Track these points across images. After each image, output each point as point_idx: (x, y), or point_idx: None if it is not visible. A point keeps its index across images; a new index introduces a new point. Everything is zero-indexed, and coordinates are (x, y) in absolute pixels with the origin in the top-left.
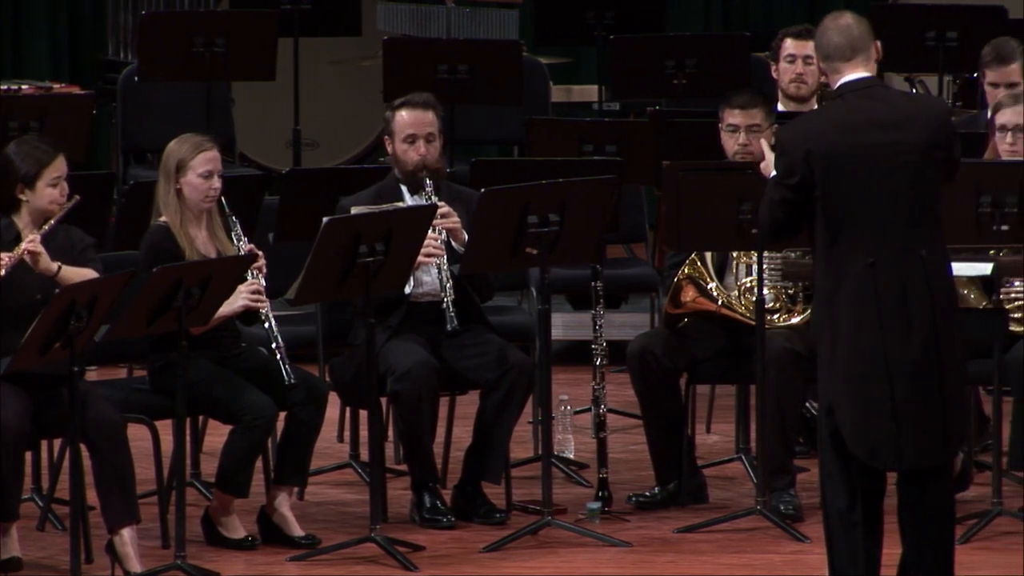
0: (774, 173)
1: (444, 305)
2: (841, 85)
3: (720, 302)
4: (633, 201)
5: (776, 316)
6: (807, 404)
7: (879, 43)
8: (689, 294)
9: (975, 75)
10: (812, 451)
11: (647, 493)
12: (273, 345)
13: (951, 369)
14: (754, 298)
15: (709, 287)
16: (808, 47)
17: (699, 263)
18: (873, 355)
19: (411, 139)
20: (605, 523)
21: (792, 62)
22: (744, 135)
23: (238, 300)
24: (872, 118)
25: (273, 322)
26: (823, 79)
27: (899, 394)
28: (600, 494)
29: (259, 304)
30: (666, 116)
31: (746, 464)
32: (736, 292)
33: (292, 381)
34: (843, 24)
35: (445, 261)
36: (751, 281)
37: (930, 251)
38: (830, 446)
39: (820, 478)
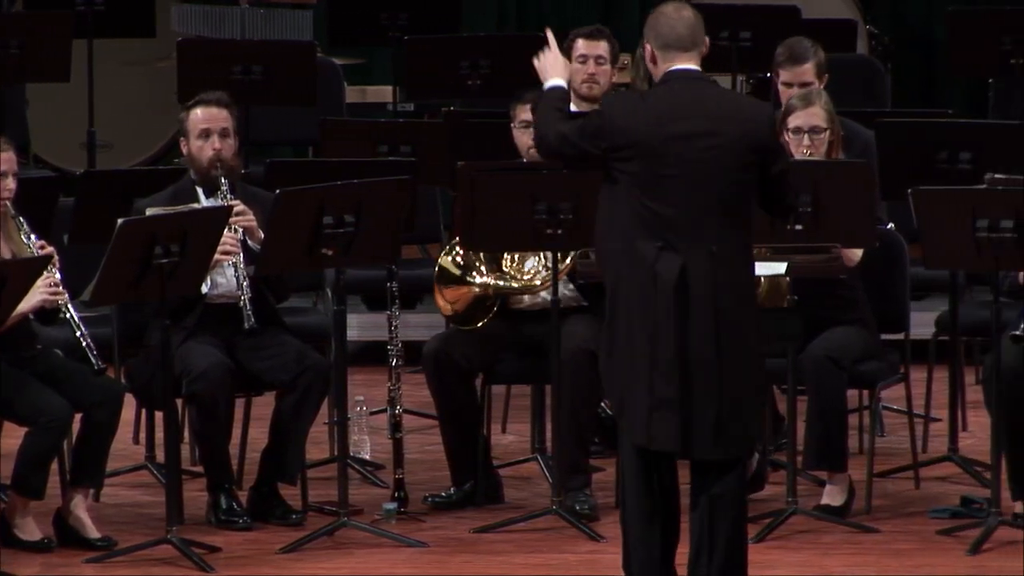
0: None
1: (241, 303)
2: (668, 72)
3: (482, 281)
4: (428, 202)
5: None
6: (602, 404)
7: (707, 39)
8: (448, 295)
9: (768, 75)
10: (608, 451)
11: (443, 493)
12: (77, 334)
13: (737, 365)
14: (526, 267)
15: (472, 273)
16: (600, 47)
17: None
18: (651, 343)
19: (205, 134)
20: (401, 523)
21: (584, 62)
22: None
23: (35, 296)
24: (689, 109)
25: (74, 312)
26: (615, 78)
27: (674, 384)
28: (396, 495)
29: (57, 298)
30: (460, 117)
31: (542, 464)
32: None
33: (100, 366)
34: (686, 17)
35: (241, 259)
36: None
37: (723, 247)
38: (628, 441)
39: (620, 472)
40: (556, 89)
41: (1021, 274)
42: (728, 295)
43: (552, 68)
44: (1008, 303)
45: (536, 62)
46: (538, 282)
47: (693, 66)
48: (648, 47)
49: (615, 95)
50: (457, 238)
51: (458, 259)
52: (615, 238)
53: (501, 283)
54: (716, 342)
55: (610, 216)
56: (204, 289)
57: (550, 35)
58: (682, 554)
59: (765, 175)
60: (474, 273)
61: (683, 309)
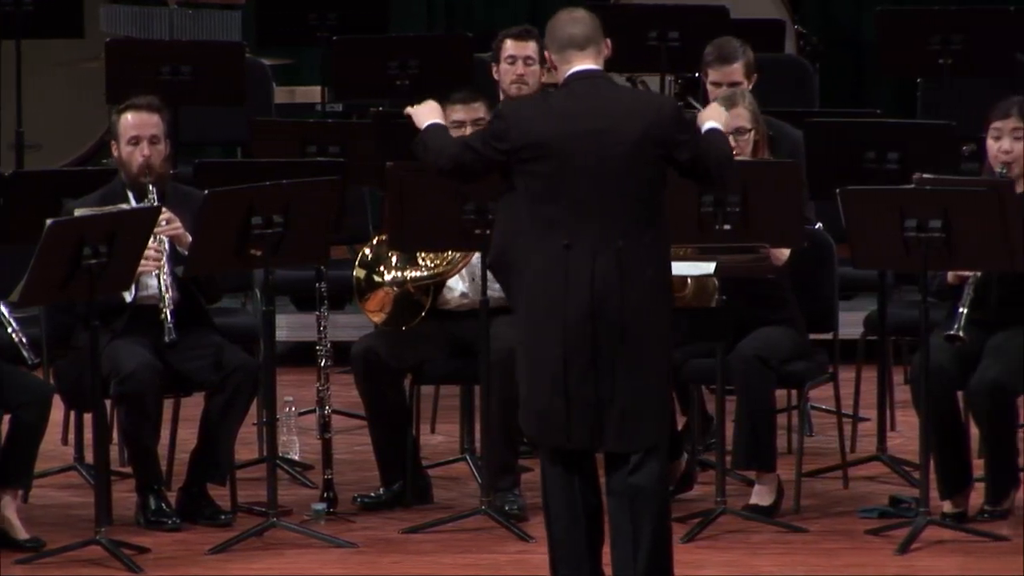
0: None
1: (162, 316)
2: (568, 75)
3: (392, 277)
4: (357, 202)
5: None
6: None
7: (609, 40)
8: (371, 305)
9: (697, 75)
10: (536, 451)
11: (372, 494)
12: (9, 330)
13: (645, 360)
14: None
15: (381, 269)
16: (528, 48)
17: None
18: (555, 336)
19: (135, 141)
20: (330, 524)
21: (513, 63)
22: (470, 129)
23: None
24: (591, 108)
25: (4, 308)
26: (544, 79)
27: (584, 382)
28: (325, 495)
29: None
30: (389, 117)
31: (471, 464)
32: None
33: (34, 361)
34: (577, 17)
35: (166, 271)
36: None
37: (630, 243)
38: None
39: (542, 474)
40: (435, 124)
41: (950, 275)
42: (636, 292)
43: (427, 114)
44: (936, 303)
45: (409, 111)
46: (452, 262)
47: (592, 66)
48: (548, 54)
49: (516, 99)
50: (366, 248)
51: (368, 257)
52: (521, 241)
53: (416, 274)
54: (623, 338)
55: (515, 221)
56: (128, 298)
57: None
58: (607, 553)
59: (677, 164)
60: (382, 268)
61: (592, 307)
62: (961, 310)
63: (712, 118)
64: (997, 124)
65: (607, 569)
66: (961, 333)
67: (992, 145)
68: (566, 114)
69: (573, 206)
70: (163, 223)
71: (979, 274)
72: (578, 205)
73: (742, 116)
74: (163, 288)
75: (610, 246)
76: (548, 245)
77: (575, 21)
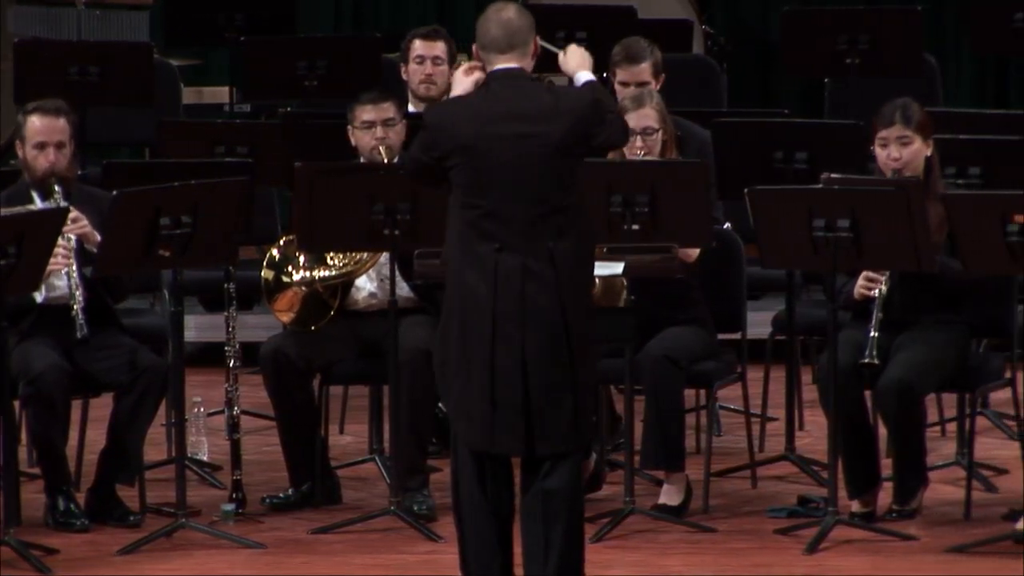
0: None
1: (73, 313)
2: (489, 74)
3: (301, 277)
4: (265, 203)
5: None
6: (440, 404)
7: (538, 39)
8: (280, 305)
9: (605, 75)
10: (445, 451)
11: (281, 494)
12: None
13: (573, 362)
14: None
15: (289, 269)
16: (437, 48)
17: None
18: (488, 340)
19: (41, 146)
20: (239, 524)
21: (421, 63)
22: (380, 129)
23: None
24: (512, 108)
25: None
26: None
27: (509, 381)
28: (234, 496)
29: None
30: (298, 117)
31: (379, 464)
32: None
33: None
34: (504, 17)
35: (75, 268)
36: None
37: (560, 244)
38: (464, 444)
39: (453, 473)
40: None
41: (856, 289)
42: (565, 294)
43: None
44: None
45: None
46: (361, 262)
47: (515, 65)
48: (475, 48)
49: (438, 103)
50: (274, 249)
51: (275, 257)
52: (454, 243)
53: (324, 274)
54: (552, 341)
55: (451, 223)
56: (39, 298)
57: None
58: (518, 554)
59: (590, 149)
60: (290, 268)
61: (522, 310)
62: (872, 334)
63: (581, 67)
64: (883, 133)
65: (518, 570)
66: (876, 360)
67: (880, 153)
68: (488, 116)
69: (502, 208)
70: (70, 222)
71: (884, 291)
72: (507, 207)
73: (650, 116)
74: (73, 285)
75: (542, 247)
76: (480, 247)
77: (500, 22)
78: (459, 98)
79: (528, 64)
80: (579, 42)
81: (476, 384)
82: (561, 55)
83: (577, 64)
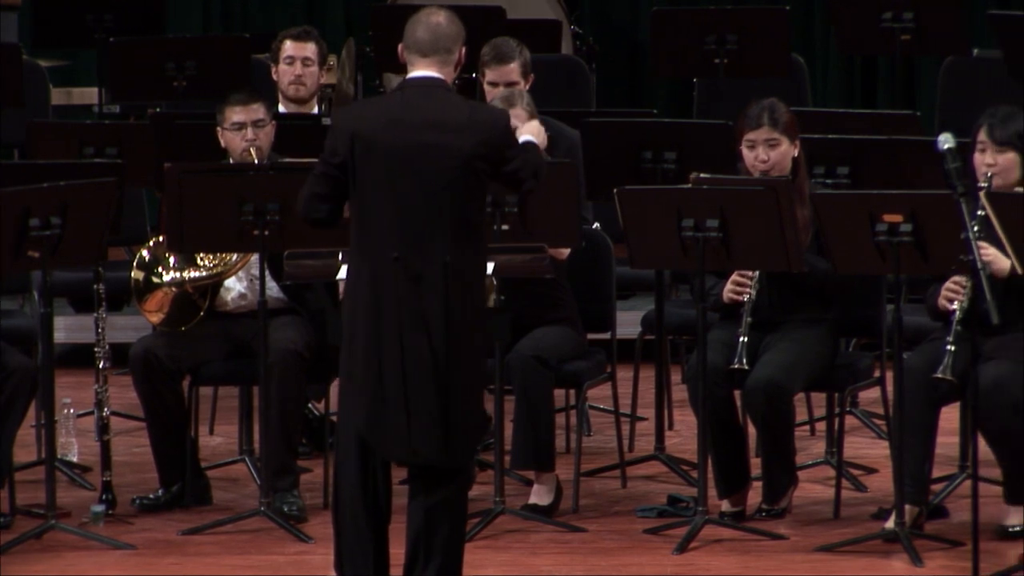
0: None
1: None
2: (404, 80)
3: (171, 278)
4: (135, 204)
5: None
6: (310, 405)
7: (464, 50)
8: (150, 306)
9: (475, 75)
10: (315, 452)
11: (151, 495)
12: None
13: (466, 376)
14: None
15: (159, 270)
16: (308, 49)
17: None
18: (381, 349)
19: None
20: (109, 526)
21: (291, 64)
22: (250, 130)
23: None
24: (423, 117)
25: None
26: (323, 79)
27: (398, 389)
28: (104, 497)
29: None
30: (166, 118)
31: (249, 465)
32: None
33: None
34: (433, 21)
35: None
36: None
37: (456, 256)
38: (347, 441)
39: (335, 473)
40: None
41: (726, 293)
42: (461, 307)
43: None
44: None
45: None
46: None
47: (433, 73)
48: (400, 48)
49: (345, 106)
50: (144, 250)
51: (145, 258)
52: (354, 250)
53: (194, 275)
54: (447, 353)
55: (352, 228)
56: None
57: None
58: (396, 555)
59: (497, 173)
60: (160, 269)
61: (419, 321)
62: (742, 339)
63: (531, 133)
64: (750, 135)
65: (396, 571)
66: (745, 366)
67: (748, 155)
68: (396, 123)
69: (401, 217)
70: None
71: (753, 295)
72: (405, 216)
73: (519, 116)
74: None
75: (438, 258)
76: (377, 254)
77: (429, 25)
78: (368, 100)
79: (449, 75)
80: None
81: (369, 388)
82: (522, 125)
83: (528, 130)
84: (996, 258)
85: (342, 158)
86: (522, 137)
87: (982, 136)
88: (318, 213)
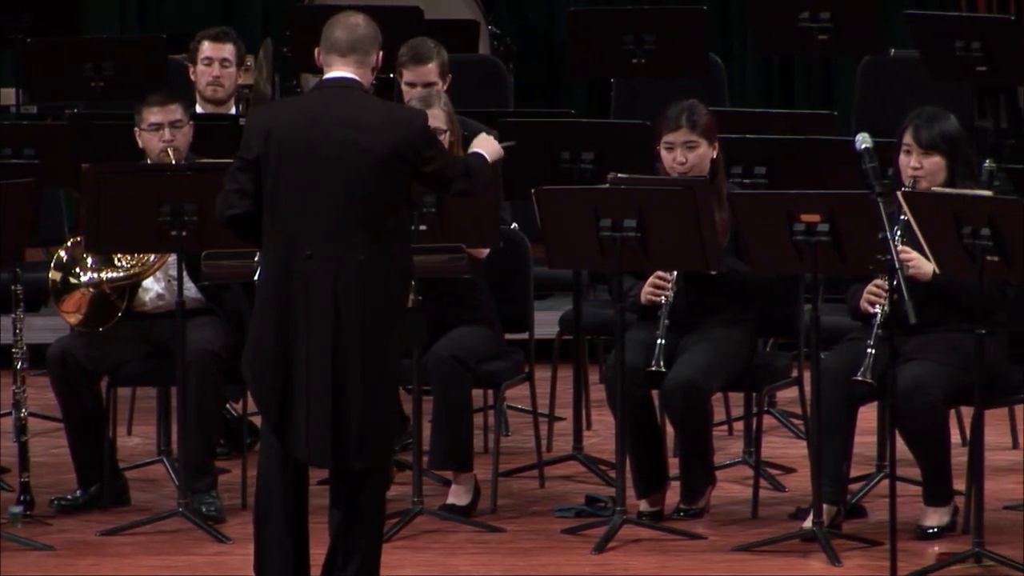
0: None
1: None
2: (321, 80)
3: (89, 279)
4: (52, 204)
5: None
6: (228, 405)
7: (381, 55)
8: (67, 307)
9: (392, 75)
10: (233, 452)
11: (69, 496)
12: None
13: (381, 376)
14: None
15: (76, 271)
16: (225, 50)
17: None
18: (289, 348)
19: None
20: (28, 527)
21: (209, 64)
22: (168, 131)
23: None
24: (340, 117)
25: None
26: (240, 80)
27: (303, 388)
28: (22, 498)
29: None
30: (84, 119)
31: (168, 466)
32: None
33: None
34: (351, 22)
35: None
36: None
37: (371, 256)
38: (268, 439)
39: (258, 473)
40: None
41: (644, 295)
42: (375, 306)
43: None
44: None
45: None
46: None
47: (349, 74)
48: (316, 52)
49: (261, 106)
50: (62, 250)
51: (63, 259)
52: (266, 248)
53: (112, 275)
54: (362, 354)
55: (264, 226)
56: None
57: None
58: (316, 555)
59: (420, 174)
60: (78, 269)
61: (333, 321)
62: (660, 342)
63: (483, 148)
64: (669, 137)
65: (315, 571)
66: (663, 368)
67: (666, 156)
68: (312, 121)
69: (315, 216)
70: None
71: (671, 297)
72: (319, 215)
73: (438, 117)
74: None
75: (352, 258)
76: (290, 253)
77: (346, 26)
78: (285, 100)
79: (366, 77)
80: None
81: (278, 386)
82: (442, 125)
83: (480, 144)
84: (919, 263)
85: (256, 154)
86: (473, 148)
87: (907, 138)
88: (238, 208)
